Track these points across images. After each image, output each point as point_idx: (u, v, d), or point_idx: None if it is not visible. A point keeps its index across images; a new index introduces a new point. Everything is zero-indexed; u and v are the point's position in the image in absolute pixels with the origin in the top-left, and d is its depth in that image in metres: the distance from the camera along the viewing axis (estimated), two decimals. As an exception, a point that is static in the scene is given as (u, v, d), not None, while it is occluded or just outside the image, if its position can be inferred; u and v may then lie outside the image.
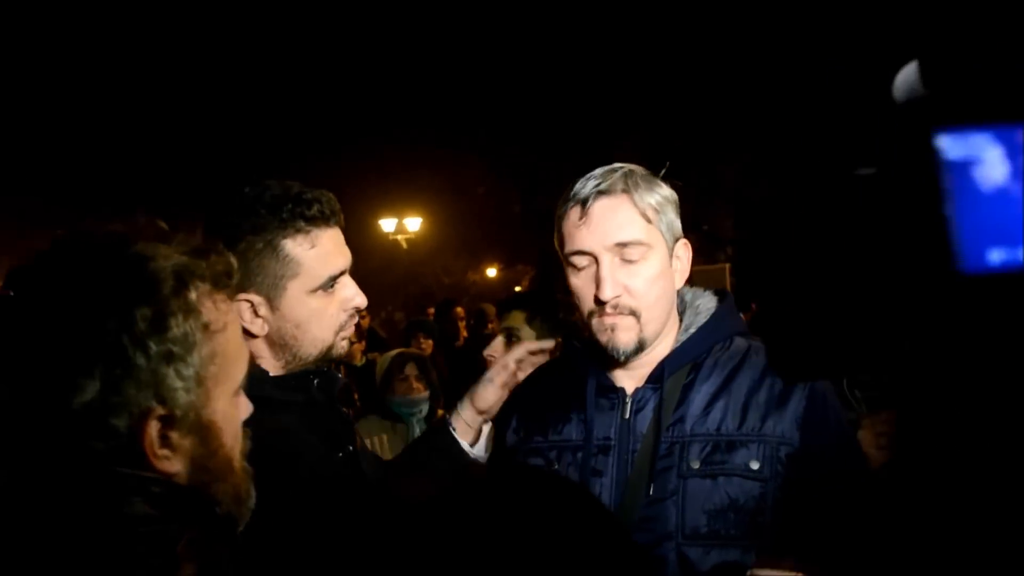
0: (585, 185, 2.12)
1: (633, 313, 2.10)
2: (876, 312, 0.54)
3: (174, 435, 1.25)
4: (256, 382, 2.09)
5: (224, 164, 21.21)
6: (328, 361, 2.28)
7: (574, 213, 2.11)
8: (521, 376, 2.52)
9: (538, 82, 20.67)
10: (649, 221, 2.10)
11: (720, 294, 2.33)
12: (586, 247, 2.09)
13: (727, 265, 12.28)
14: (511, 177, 24.76)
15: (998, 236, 0.48)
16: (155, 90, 20.76)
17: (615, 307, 2.09)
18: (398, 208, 25.23)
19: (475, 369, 4.15)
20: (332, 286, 2.22)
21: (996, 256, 0.48)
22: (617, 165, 2.15)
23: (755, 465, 2.03)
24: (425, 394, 5.09)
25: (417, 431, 4.80)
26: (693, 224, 24.76)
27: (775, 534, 2.01)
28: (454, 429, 2.53)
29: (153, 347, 1.20)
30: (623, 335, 2.10)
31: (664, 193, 2.15)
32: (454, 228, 27.06)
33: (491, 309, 9.98)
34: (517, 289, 29.95)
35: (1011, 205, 0.49)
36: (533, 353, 2.69)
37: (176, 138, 21.61)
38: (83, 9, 18.75)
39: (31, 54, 19.07)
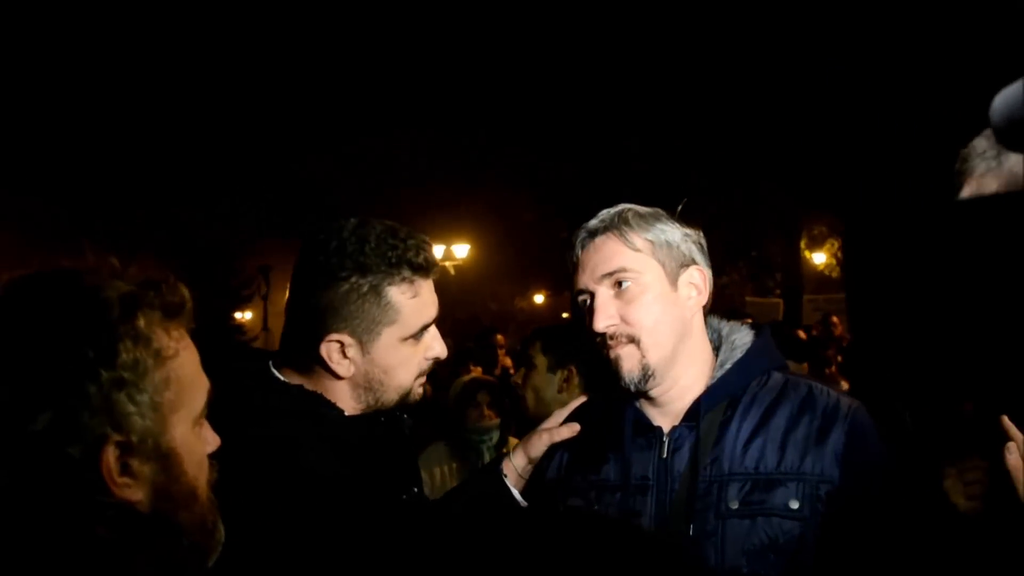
0: (579, 232, 2.20)
1: (632, 340, 2.11)
2: (976, 338, 0.53)
3: (134, 462, 1.24)
4: (328, 423, 2.12)
5: (277, 192, 21.44)
6: (403, 409, 2.31)
7: (571, 258, 2.20)
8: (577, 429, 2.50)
9: (588, 110, 20.70)
10: (638, 251, 2.13)
11: (757, 328, 2.32)
12: (581, 285, 2.17)
13: (780, 301, 12.34)
14: (558, 203, 24.83)
15: None
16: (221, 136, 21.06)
17: (612, 337, 2.12)
18: (446, 235, 25.39)
19: (513, 398, 4.18)
20: (422, 335, 2.24)
21: None
22: (617, 206, 2.20)
23: (795, 504, 2.01)
24: (496, 422, 5.08)
25: (487, 458, 4.79)
26: (742, 250, 24.64)
27: (816, 575, 1.99)
28: (506, 476, 2.50)
29: (104, 374, 1.20)
30: (626, 363, 2.12)
31: (662, 226, 2.17)
32: (501, 255, 27.15)
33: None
34: (564, 316, 29.97)
35: None
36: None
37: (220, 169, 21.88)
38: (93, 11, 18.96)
39: (30, 55, 19.28)
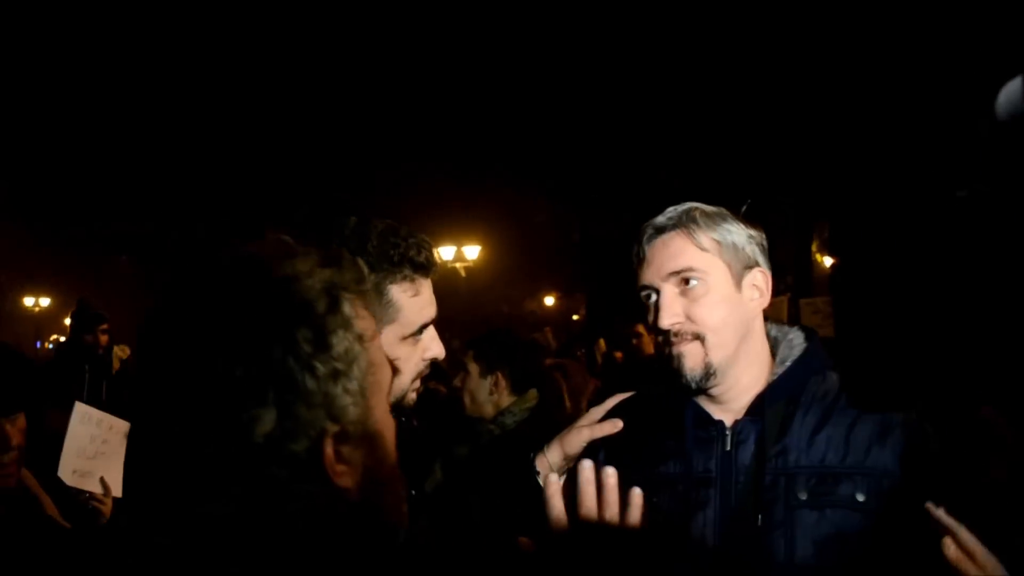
0: (647, 227, 2.22)
1: (697, 337, 2.15)
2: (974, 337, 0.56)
3: (346, 449, 1.25)
4: None
5: (286, 191, 21.47)
6: (398, 411, 2.30)
7: (637, 254, 2.23)
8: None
9: (600, 112, 20.70)
10: (705, 250, 2.16)
11: (807, 331, 2.36)
12: (646, 281, 2.20)
13: (786, 296, 12.27)
14: (570, 205, 24.77)
15: None
16: (217, 118, 21.12)
17: (677, 334, 2.15)
18: (457, 236, 25.38)
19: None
20: (421, 334, 2.24)
21: None
22: (683, 204, 2.22)
23: (861, 497, 2.06)
24: None
25: None
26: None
27: (881, 568, 2.02)
28: (538, 473, 2.47)
29: (320, 368, 1.21)
30: (689, 361, 2.15)
31: (728, 226, 2.21)
32: (513, 256, 27.11)
33: (548, 337, 10.00)
34: (575, 318, 29.92)
35: None
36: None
37: (235, 165, 21.93)
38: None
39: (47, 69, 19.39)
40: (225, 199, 24.05)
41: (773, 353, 2.28)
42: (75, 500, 3.30)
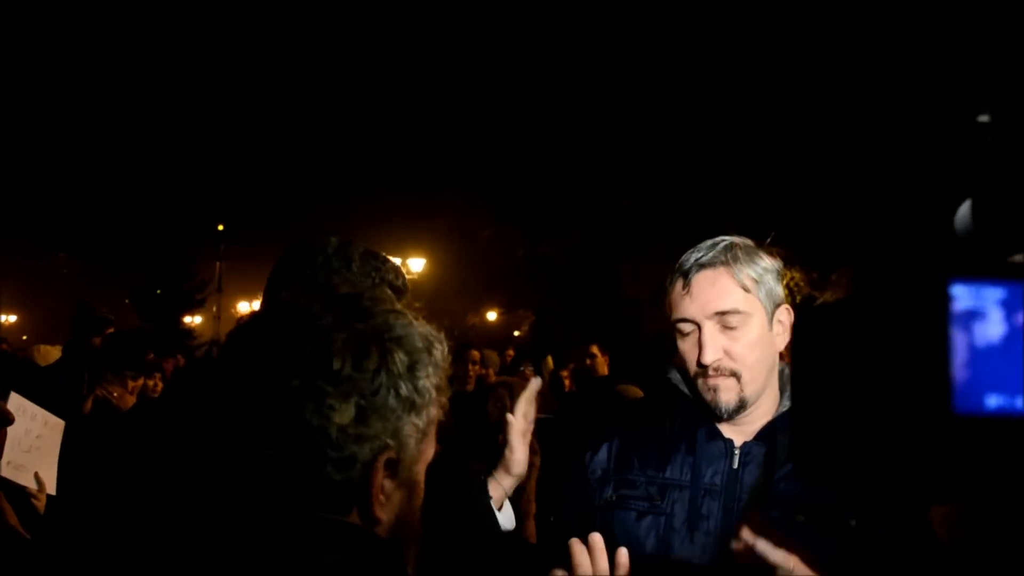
0: (689, 258, 2.27)
1: (734, 374, 2.21)
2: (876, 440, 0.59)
3: (390, 484, 1.32)
4: None
5: (237, 205, 21.28)
6: None
7: (679, 284, 2.26)
8: (530, 423, 2.52)
9: (548, 129, 20.81)
10: (747, 291, 2.22)
11: None
12: (689, 315, 2.24)
13: None
14: (516, 222, 24.88)
15: (996, 383, 0.57)
16: (173, 139, 20.98)
17: (716, 369, 2.21)
18: (403, 248, 25.34)
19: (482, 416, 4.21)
20: None
21: (993, 401, 0.56)
22: (721, 238, 2.28)
23: (853, 523, 2.11)
24: None
25: None
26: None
27: None
28: (491, 497, 2.45)
29: (403, 391, 1.29)
30: (724, 395, 2.21)
31: (764, 264, 2.26)
32: (457, 270, 27.14)
33: (493, 355, 9.96)
34: (516, 334, 30.00)
35: (1012, 356, 0.57)
36: (530, 400, 2.66)
37: (189, 181, 21.77)
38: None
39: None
40: (170, 197, 23.77)
41: (782, 388, 2.35)
42: (18, 496, 3.24)
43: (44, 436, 3.37)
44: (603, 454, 2.42)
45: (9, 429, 3.17)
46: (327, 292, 1.39)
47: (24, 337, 27.75)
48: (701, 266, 2.24)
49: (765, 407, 2.28)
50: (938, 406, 0.57)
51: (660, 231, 20.31)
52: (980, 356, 0.57)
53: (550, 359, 10.67)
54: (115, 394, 5.07)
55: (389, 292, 2.09)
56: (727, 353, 2.20)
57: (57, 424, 3.40)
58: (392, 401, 1.28)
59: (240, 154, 22.18)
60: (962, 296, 0.58)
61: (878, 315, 0.61)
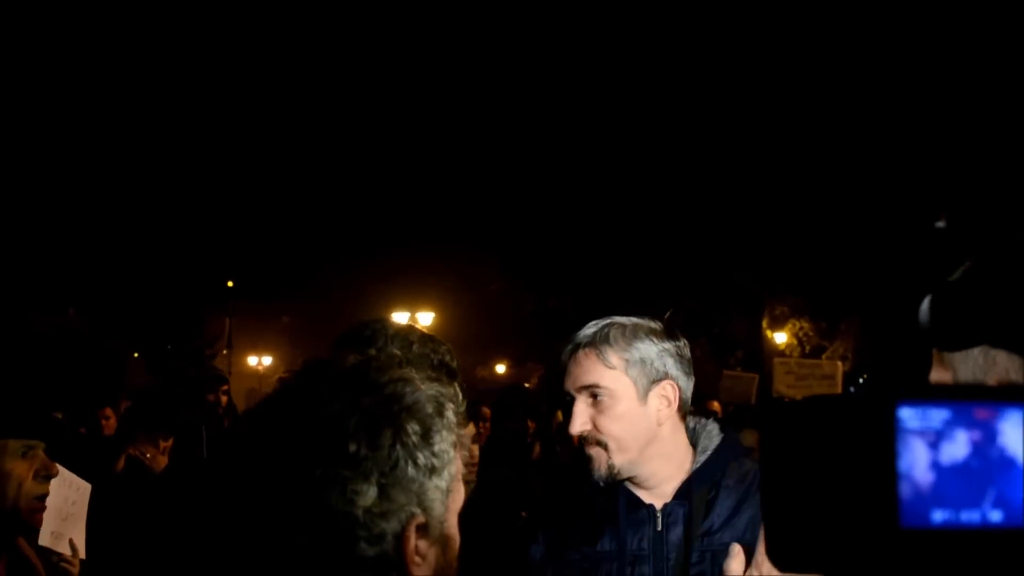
0: (568, 341, 2.49)
1: (599, 444, 2.38)
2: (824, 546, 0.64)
3: (423, 544, 1.36)
4: None
5: (246, 262, 21.38)
6: None
7: (562, 360, 2.49)
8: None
9: (558, 187, 20.92)
10: (613, 368, 2.39)
11: (720, 422, 2.61)
12: (565, 387, 2.46)
13: (756, 376, 12.69)
14: (525, 275, 24.94)
15: (942, 499, 0.61)
16: (185, 200, 21.14)
17: (585, 439, 2.39)
18: (411, 302, 25.38)
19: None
20: None
21: (938, 516, 0.60)
22: (606, 320, 2.47)
23: None
24: None
25: None
26: (705, 326, 24.84)
27: None
28: None
29: (421, 459, 1.34)
30: (594, 462, 2.39)
31: (641, 345, 2.42)
32: (466, 323, 27.14)
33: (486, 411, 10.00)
34: (526, 386, 29.92)
35: (959, 474, 0.61)
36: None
37: (198, 238, 21.88)
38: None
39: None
40: (179, 254, 23.89)
41: (694, 443, 2.50)
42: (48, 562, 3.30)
43: (77, 501, 3.44)
44: (542, 537, 2.55)
45: (51, 499, 3.24)
46: (333, 369, 1.43)
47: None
48: (573, 347, 2.44)
49: (669, 470, 2.43)
50: (886, 520, 0.61)
51: (666, 281, 20.37)
52: (926, 473, 0.62)
53: (560, 413, 10.63)
54: (148, 455, 5.11)
55: (398, 353, 2.16)
56: (594, 425, 2.37)
57: (86, 488, 3.43)
58: (411, 471, 1.32)
59: (248, 210, 22.30)
60: (909, 417, 0.62)
61: (838, 427, 0.65)
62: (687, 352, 2.50)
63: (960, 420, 0.63)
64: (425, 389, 1.41)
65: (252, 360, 35.59)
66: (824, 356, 22.80)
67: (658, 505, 2.41)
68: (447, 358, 2.33)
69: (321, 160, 21.90)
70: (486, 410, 9.51)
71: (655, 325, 2.48)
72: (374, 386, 1.38)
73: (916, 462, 0.62)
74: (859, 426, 0.63)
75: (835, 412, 0.67)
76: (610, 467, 2.37)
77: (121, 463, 5.03)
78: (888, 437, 0.62)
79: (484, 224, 22.94)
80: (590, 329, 2.47)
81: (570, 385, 2.43)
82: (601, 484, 2.38)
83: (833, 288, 19.76)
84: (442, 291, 25.54)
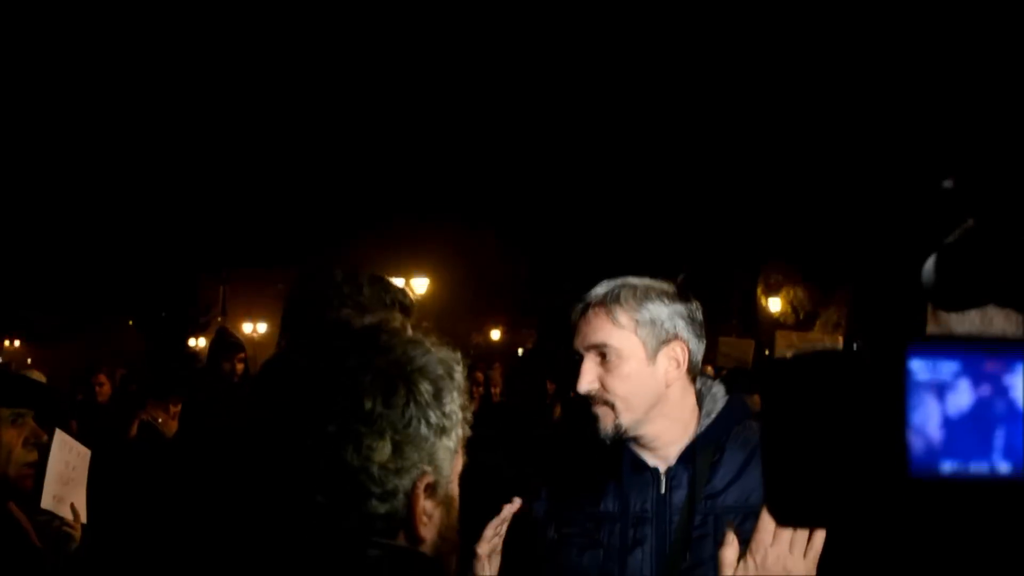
0: (580, 300, 2.49)
1: (607, 403, 2.38)
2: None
3: (430, 504, 1.40)
4: None
5: (240, 229, 21.34)
6: None
7: (573, 318, 2.49)
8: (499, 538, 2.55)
9: (552, 150, 20.88)
10: (622, 327, 2.38)
11: (727, 384, 2.59)
12: (574, 347, 2.46)
13: (752, 341, 12.86)
14: (518, 240, 24.92)
15: (951, 450, 0.61)
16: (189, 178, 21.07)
17: (592, 398, 2.39)
18: (405, 269, 25.36)
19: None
20: None
21: (947, 467, 0.61)
22: (618, 280, 2.46)
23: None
24: None
25: None
26: (700, 293, 24.84)
27: None
28: None
29: (433, 418, 1.37)
30: (601, 421, 2.39)
31: (650, 304, 2.40)
32: (460, 289, 27.16)
33: (495, 373, 10.06)
34: (520, 352, 29.98)
35: (968, 425, 0.62)
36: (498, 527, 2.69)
37: (192, 206, 21.83)
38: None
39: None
40: (174, 222, 23.84)
41: (700, 404, 2.50)
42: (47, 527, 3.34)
43: (77, 467, 3.48)
44: (544, 495, 2.57)
45: (52, 463, 3.28)
46: (346, 330, 1.49)
47: (29, 361, 27.80)
48: (587, 304, 2.44)
49: (674, 432, 2.44)
50: (896, 470, 0.61)
51: (662, 249, 20.38)
52: (936, 424, 0.62)
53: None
54: (159, 419, 5.17)
55: (401, 316, 2.17)
56: (602, 384, 2.38)
57: (85, 453, 3.52)
58: (424, 430, 1.36)
59: (243, 179, 22.24)
60: (920, 369, 0.63)
61: (844, 381, 0.66)
62: (699, 315, 2.48)
63: (969, 372, 0.63)
64: (435, 352, 1.43)
65: (247, 327, 35.61)
66: (817, 322, 22.94)
67: (662, 468, 2.41)
68: (399, 296, 2.36)
69: (317, 128, 21.81)
70: (479, 374, 9.66)
71: (667, 286, 2.48)
72: (386, 348, 1.40)
73: (926, 413, 0.62)
74: (867, 378, 0.64)
75: (840, 365, 0.66)
76: (616, 426, 2.37)
77: (134, 429, 5.10)
78: (899, 389, 0.62)
79: (479, 191, 22.91)
80: (601, 288, 2.47)
81: (579, 343, 2.43)
82: (607, 443, 2.39)
83: (827, 256, 19.81)
84: (437, 258, 25.53)
